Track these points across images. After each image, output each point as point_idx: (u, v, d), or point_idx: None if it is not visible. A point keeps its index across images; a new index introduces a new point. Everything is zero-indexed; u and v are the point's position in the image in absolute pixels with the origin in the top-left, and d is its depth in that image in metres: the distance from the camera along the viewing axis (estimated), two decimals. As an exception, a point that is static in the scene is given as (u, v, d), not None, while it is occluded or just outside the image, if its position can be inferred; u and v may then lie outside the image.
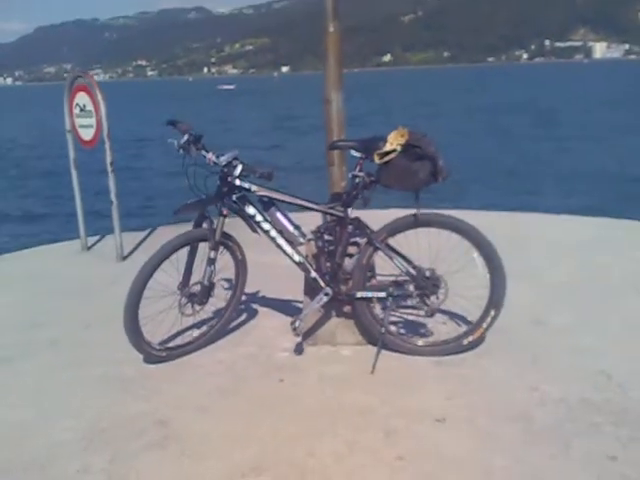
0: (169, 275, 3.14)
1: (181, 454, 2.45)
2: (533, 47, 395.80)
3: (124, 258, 5.16)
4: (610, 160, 17.66)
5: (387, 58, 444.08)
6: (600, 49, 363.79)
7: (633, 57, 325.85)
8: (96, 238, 5.87)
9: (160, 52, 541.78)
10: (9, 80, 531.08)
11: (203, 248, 3.19)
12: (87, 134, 5.20)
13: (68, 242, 5.86)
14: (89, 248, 5.60)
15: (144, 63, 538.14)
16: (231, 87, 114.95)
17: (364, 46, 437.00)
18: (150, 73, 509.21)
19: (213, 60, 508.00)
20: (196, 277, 3.23)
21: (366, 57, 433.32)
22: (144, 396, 2.91)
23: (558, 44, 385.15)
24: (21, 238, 10.18)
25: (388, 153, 2.94)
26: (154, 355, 3.20)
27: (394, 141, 2.94)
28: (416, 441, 2.47)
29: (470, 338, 3.17)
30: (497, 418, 2.61)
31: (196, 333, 3.42)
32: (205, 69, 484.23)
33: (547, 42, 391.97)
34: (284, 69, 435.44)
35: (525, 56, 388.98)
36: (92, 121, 5.09)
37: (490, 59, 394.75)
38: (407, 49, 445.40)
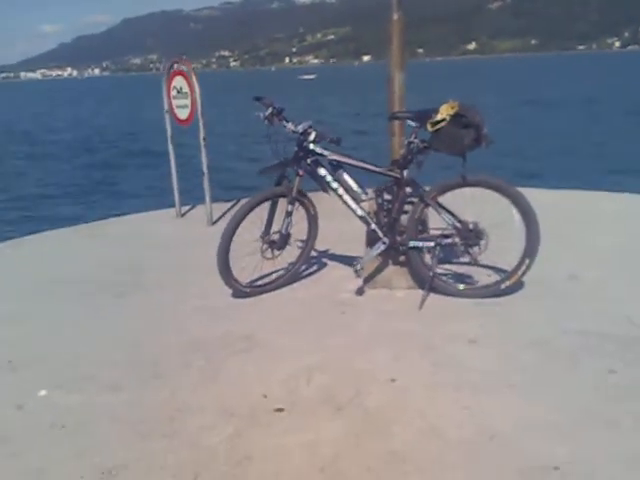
0: (254, 225, 3.80)
1: (261, 358, 3.10)
2: (627, 34, 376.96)
3: (213, 223, 5.87)
4: None
5: (472, 46, 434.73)
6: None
7: None
8: (188, 207, 6.63)
9: (242, 43, 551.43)
10: (97, 71, 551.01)
11: (282, 203, 3.83)
12: (183, 114, 5.93)
13: (165, 210, 6.64)
14: (183, 215, 6.36)
15: (227, 54, 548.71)
16: (311, 77, 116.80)
17: (448, 35, 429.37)
18: (233, 64, 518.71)
19: (294, 50, 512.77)
20: (275, 227, 3.88)
21: (451, 46, 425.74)
22: (232, 320, 3.59)
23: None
24: (123, 206, 11.27)
25: (439, 122, 3.46)
26: (241, 291, 3.88)
27: (444, 112, 3.45)
28: (449, 355, 3.03)
29: (507, 283, 3.66)
30: (521, 343, 3.12)
31: (275, 276, 4.08)
32: (287, 59, 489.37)
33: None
34: (365, 58, 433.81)
35: (617, 44, 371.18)
36: (187, 102, 5.81)
37: (580, 47, 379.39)
38: (494, 37, 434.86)
